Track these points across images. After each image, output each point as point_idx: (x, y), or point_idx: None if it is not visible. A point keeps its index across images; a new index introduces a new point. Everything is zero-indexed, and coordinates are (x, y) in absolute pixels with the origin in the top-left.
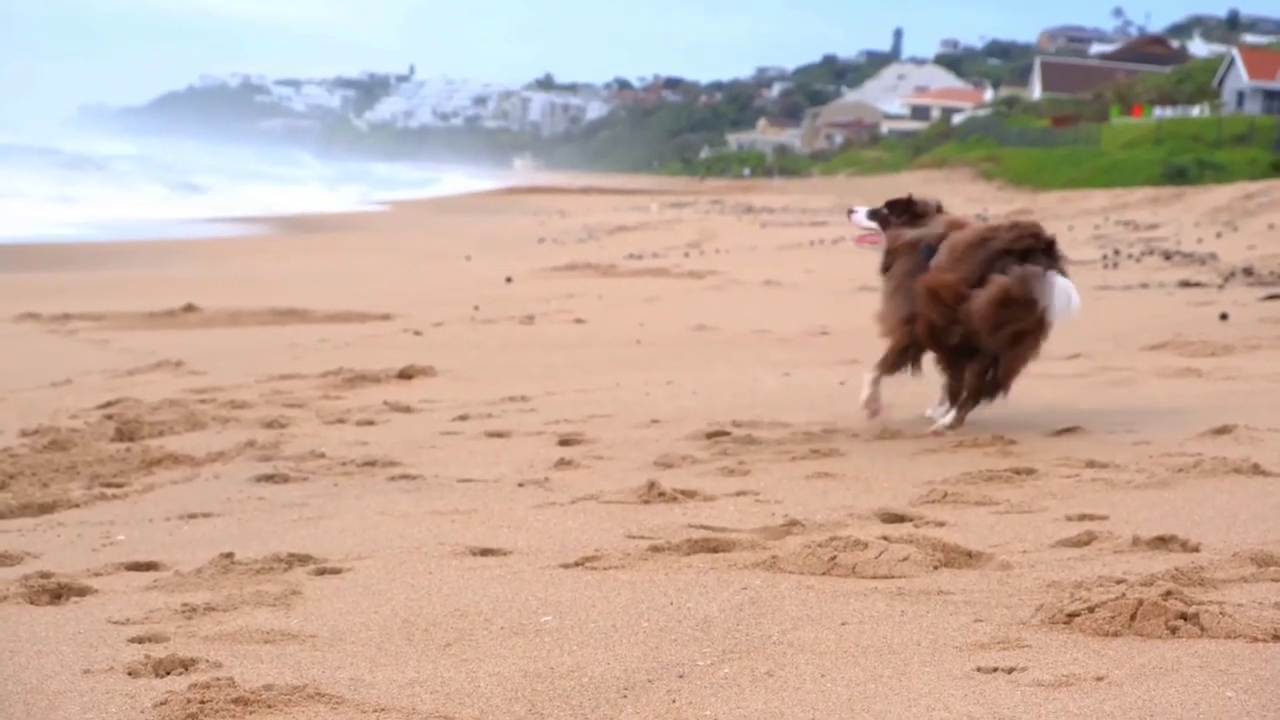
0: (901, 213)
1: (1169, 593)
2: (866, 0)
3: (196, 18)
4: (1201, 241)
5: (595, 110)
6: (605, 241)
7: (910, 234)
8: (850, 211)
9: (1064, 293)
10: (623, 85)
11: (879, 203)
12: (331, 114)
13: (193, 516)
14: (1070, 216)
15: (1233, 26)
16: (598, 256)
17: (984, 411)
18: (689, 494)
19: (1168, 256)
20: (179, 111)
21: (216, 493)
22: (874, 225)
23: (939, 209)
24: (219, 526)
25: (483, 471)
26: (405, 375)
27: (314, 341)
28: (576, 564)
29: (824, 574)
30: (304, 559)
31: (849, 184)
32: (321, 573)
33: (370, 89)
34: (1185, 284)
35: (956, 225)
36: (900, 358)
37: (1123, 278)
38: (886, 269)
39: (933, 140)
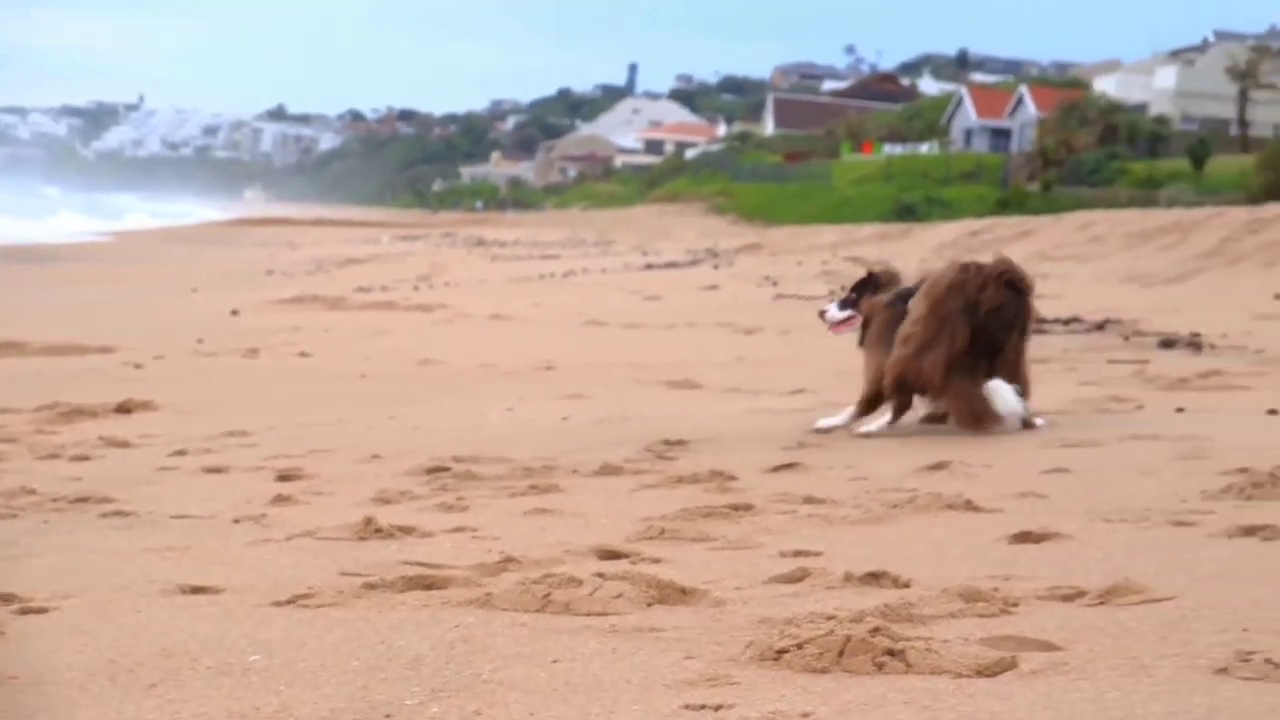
0: (866, 289)
1: (877, 629)
2: (601, 34)
3: None
4: None
5: (328, 141)
6: (334, 274)
7: (880, 299)
8: (822, 313)
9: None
10: (356, 116)
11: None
12: (58, 142)
13: None
14: (800, 251)
15: (962, 65)
16: (326, 289)
17: (704, 447)
18: (406, 530)
19: None
20: None
21: None
22: (849, 312)
23: (896, 276)
24: None
25: (198, 508)
26: (123, 409)
27: (30, 374)
28: (289, 602)
29: (538, 611)
30: (8, 598)
31: (583, 217)
32: (26, 612)
33: (98, 118)
34: None
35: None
36: (873, 404)
37: None
38: (864, 339)
39: (667, 174)
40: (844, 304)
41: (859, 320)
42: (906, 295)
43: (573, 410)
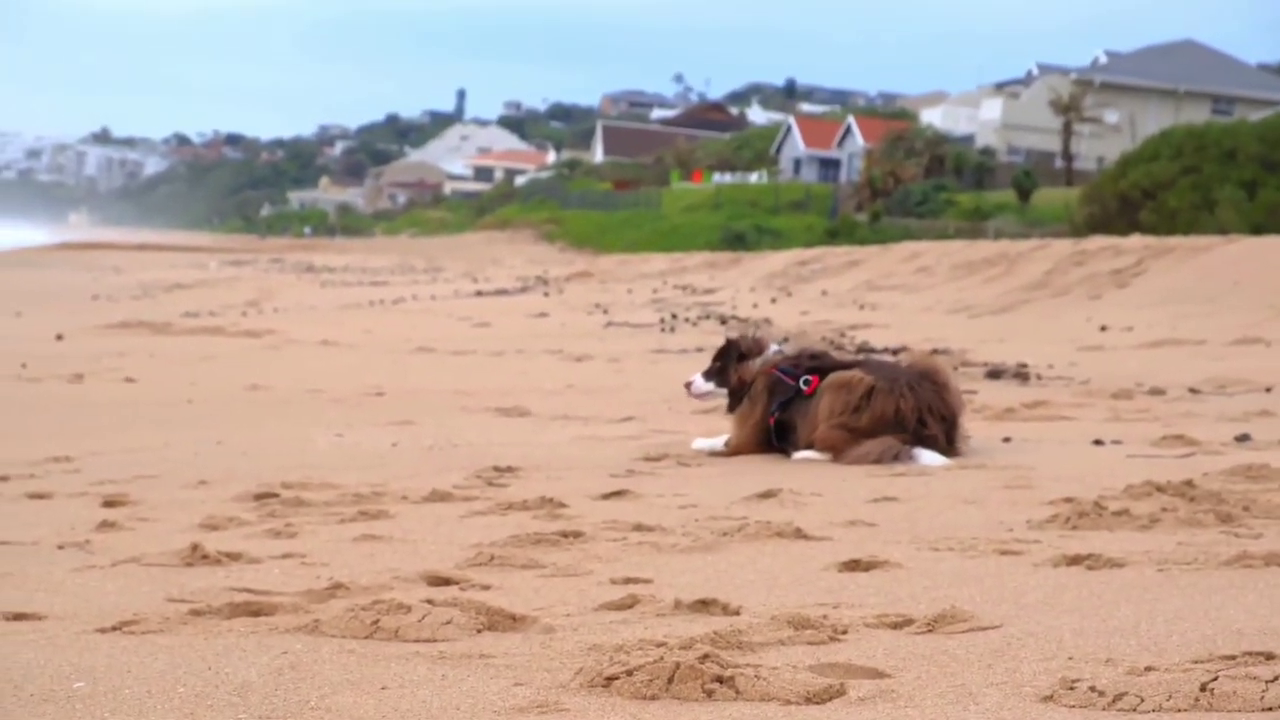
0: (730, 357)
1: (706, 656)
2: (429, 60)
3: None
4: (757, 307)
5: (154, 165)
6: (161, 299)
7: (755, 364)
8: (688, 384)
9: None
10: (182, 140)
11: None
12: None
13: None
14: (629, 279)
15: (790, 95)
16: (152, 314)
17: (533, 474)
18: (234, 556)
19: (723, 321)
20: None
21: None
22: (712, 385)
23: (761, 341)
24: None
25: (21, 534)
26: None
27: None
28: (114, 628)
29: (366, 638)
30: None
31: (412, 244)
32: None
33: None
34: None
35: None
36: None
37: (679, 341)
38: (736, 404)
39: (496, 201)
40: (709, 374)
41: (725, 392)
42: (795, 366)
43: (402, 436)
